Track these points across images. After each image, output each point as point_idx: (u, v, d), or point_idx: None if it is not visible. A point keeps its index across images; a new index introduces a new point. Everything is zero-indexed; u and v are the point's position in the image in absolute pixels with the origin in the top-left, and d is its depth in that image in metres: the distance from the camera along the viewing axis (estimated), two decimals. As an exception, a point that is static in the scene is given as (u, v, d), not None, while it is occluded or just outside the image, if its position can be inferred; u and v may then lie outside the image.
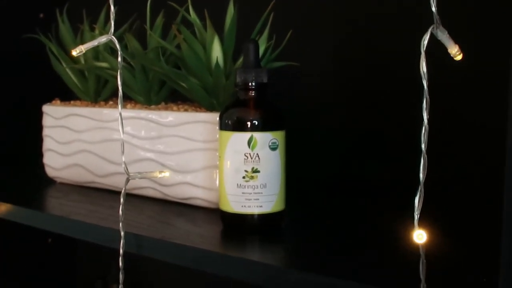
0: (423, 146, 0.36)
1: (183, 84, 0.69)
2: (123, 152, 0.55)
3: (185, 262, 0.53)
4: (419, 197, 0.37)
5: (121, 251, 0.56)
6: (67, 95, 0.87)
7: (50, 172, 0.83)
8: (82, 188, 0.80)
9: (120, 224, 0.56)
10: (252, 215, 0.56)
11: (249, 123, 0.56)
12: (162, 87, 0.76)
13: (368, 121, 0.75)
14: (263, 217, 0.56)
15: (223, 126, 0.57)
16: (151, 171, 0.56)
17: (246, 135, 0.55)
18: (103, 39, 0.54)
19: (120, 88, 0.55)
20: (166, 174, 0.55)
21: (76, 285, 1.14)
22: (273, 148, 0.56)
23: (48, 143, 0.82)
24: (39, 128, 0.84)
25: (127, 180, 0.56)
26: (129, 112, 0.72)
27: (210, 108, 0.68)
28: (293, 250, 0.53)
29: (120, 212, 0.56)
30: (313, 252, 0.52)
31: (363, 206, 0.68)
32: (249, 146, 0.55)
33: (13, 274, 1.02)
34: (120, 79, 0.55)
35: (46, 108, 0.83)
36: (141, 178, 0.56)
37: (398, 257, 0.49)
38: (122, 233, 0.56)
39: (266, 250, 0.53)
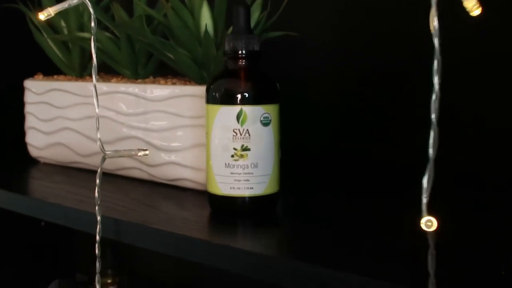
0: (433, 116, 0.31)
1: (171, 55, 0.63)
2: (98, 128, 0.50)
3: (168, 250, 0.48)
4: (429, 176, 0.31)
5: (97, 237, 0.51)
6: (52, 71, 0.81)
7: (33, 151, 0.78)
8: (66, 169, 0.74)
9: (96, 207, 0.51)
10: (242, 198, 0.51)
11: (238, 96, 0.50)
12: (150, 60, 0.70)
13: (372, 95, 0.69)
14: (254, 200, 0.51)
15: (210, 99, 0.51)
16: (129, 149, 0.51)
17: (235, 108, 0.50)
18: (74, 0, 0.48)
19: (94, 55, 0.49)
20: (146, 152, 0.50)
21: (73, 270, 1.10)
22: (265, 123, 0.50)
23: (30, 121, 0.77)
24: (22, 105, 0.79)
25: (103, 159, 0.50)
26: (112, 87, 0.66)
27: (200, 81, 0.63)
28: (288, 237, 0.48)
29: (96, 194, 0.51)
30: (310, 240, 0.46)
31: (367, 188, 0.63)
32: (238, 121, 0.50)
33: (6, 259, 0.97)
34: (94, 46, 0.49)
35: (27, 83, 0.77)
36: (118, 157, 0.51)
37: (404, 247, 0.43)
38: (98, 218, 0.51)
39: (258, 237, 0.48)
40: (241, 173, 0.50)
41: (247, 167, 0.50)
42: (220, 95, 0.51)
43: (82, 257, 1.08)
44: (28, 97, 0.77)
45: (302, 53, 0.73)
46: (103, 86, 0.67)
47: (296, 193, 0.60)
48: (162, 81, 0.65)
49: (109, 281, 1.03)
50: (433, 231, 0.29)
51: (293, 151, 0.64)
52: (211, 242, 0.45)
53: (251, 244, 0.46)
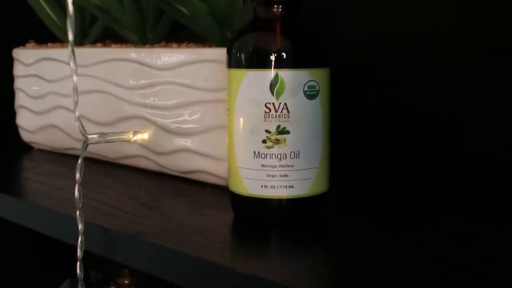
0: None
1: (184, 10, 0.48)
2: (76, 102, 0.35)
3: (170, 276, 0.34)
4: None
5: (78, 252, 0.37)
6: (48, 39, 0.67)
7: (24, 135, 0.65)
8: (62, 157, 0.61)
9: (77, 213, 0.37)
10: (278, 201, 0.36)
11: (272, 55, 0.35)
12: (160, 20, 0.55)
13: (447, 62, 0.53)
14: (295, 203, 0.36)
15: (233, 62, 0.37)
16: (121, 132, 0.37)
17: (268, 74, 0.35)
18: None
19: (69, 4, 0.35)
20: (144, 136, 0.36)
21: (87, 267, 0.97)
22: (311, 95, 0.35)
23: (20, 98, 0.64)
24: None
25: (85, 145, 0.36)
26: (110, 53, 0.52)
27: (221, 44, 0.48)
28: (342, 259, 0.33)
29: (76, 193, 0.37)
30: (377, 262, 0.31)
31: (451, 186, 0.47)
32: (272, 92, 0.35)
33: (14, 255, 0.85)
34: (70, -13, 0.35)
35: (17, 52, 0.64)
36: (105, 142, 0.36)
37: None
38: (80, 227, 0.37)
39: (300, 260, 0.33)
40: (276, 166, 0.35)
41: (285, 157, 0.35)
42: (246, 55, 0.36)
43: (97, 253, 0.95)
44: (18, 69, 0.63)
45: (350, 6, 0.57)
46: (98, 52, 0.53)
47: (347, 191, 0.45)
48: (174, 45, 0.51)
49: (126, 281, 0.92)
50: None
51: (345, 135, 0.49)
52: (235, 270, 0.30)
53: (291, 271, 0.31)
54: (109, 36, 0.64)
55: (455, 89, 0.49)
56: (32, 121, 0.62)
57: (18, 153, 0.64)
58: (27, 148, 0.65)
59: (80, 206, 0.37)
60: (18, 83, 0.64)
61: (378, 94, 0.53)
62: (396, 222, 0.38)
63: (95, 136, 0.36)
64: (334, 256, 0.33)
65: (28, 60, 0.61)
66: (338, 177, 0.40)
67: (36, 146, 0.65)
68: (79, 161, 0.37)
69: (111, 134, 0.36)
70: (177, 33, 0.57)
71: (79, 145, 0.58)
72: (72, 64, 0.35)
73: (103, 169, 0.55)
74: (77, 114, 0.35)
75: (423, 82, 0.50)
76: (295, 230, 0.36)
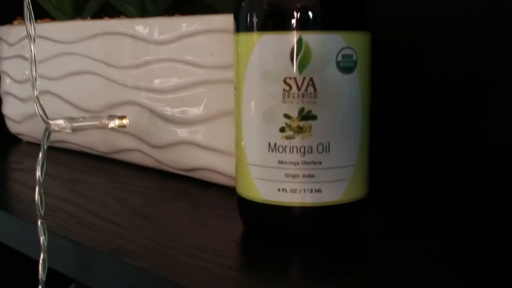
0: None
1: (188, -28, 0.39)
2: (34, 84, 0.27)
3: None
4: None
5: (40, 271, 0.28)
6: (40, 16, 0.59)
7: (11, 126, 0.57)
8: (52, 151, 0.52)
9: (38, 223, 0.28)
10: (300, 209, 0.27)
11: (294, 14, 0.26)
12: (162, -12, 0.47)
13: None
14: (323, 212, 0.27)
15: (242, 25, 0.28)
16: (94, 116, 0.28)
17: (288, 38, 0.26)
18: None
19: None
20: (124, 121, 0.27)
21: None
22: (346, 67, 0.26)
23: (5, 84, 0.56)
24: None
25: (47, 133, 0.28)
26: (98, 26, 0.43)
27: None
28: (388, 285, 0.24)
29: (37, 197, 0.28)
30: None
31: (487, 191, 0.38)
32: (293, 63, 0.26)
33: (16, 257, 0.77)
34: None
35: (2, 30, 0.55)
36: (72, 130, 0.28)
37: None
38: (41, 239, 0.28)
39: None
40: (298, 163, 0.26)
41: (311, 150, 0.26)
42: (259, 14, 0.27)
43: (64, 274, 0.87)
44: (3, 50, 0.55)
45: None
46: (86, 25, 0.44)
47: (390, 199, 0.36)
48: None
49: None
50: None
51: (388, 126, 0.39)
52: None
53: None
54: (108, 14, 0.56)
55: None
56: (18, 110, 0.54)
57: (2, 147, 0.56)
58: (14, 141, 0.57)
59: (42, 213, 0.28)
60: (3, 66, 0.55)
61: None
62: (454, 240, 0.29)
63: (60, 121, 0.27)
64: (376, 284, 0.24)
65: (13, 39, 0.53)
66: (375, 179, 0.31)
67: (24, 139, 0.57)
68: (40, 156, 0.28)
69: (81, 119, 0.27)
70: (183, 6, 0.48)
71: (68, 137, 0.50)
72: (31, 29, 0.27)
73: (94, 165, 0.46)
74: (36, 93, 0.27)
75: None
76: (324, 249, 0.27)
